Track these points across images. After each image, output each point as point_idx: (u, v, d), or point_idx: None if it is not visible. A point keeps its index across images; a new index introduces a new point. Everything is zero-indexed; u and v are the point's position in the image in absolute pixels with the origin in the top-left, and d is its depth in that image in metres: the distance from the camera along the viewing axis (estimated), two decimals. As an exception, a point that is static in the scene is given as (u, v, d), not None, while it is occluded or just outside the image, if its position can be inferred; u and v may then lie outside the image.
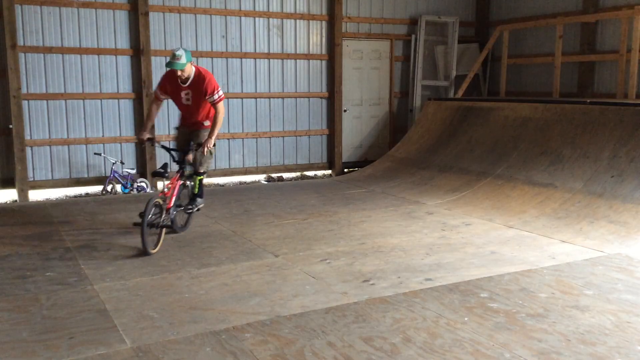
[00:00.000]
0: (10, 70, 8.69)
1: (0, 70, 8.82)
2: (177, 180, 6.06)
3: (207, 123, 6.41)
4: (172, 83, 6.22)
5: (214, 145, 6.21)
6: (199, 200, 6.58)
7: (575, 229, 6.35)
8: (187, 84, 6.17)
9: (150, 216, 5.55)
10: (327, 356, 3.54)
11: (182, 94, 6.26)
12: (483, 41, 12.32)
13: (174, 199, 5.94)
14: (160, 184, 6.67)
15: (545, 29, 11.04)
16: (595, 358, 3.52)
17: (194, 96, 6.22)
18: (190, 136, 6.40)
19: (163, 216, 5.81)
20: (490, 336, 3.81)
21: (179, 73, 6.02)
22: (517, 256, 5.56)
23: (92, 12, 9.28)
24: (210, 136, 6.11)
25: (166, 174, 6.03)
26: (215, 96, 6.17)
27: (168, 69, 6.10)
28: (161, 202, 5.78)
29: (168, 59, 6.11)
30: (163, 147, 6.40)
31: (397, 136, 11.70)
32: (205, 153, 6.16)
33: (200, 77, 6.15)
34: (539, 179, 7.70)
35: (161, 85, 6.34)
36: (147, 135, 6.27)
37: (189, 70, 6.10)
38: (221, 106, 6.21)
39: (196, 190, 6.54)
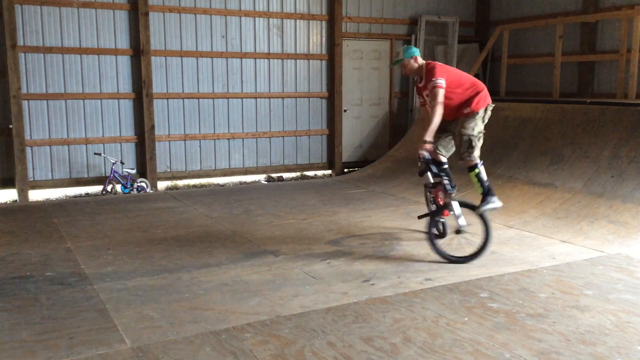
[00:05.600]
0: (10, 70, 8.70)
1: (0, 70, 8.83)
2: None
3: (467, 110, 5.55)
4: (417, 86, 5.82)
5: (472, 134, 5.47)
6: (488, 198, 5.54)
7: (575, 229, 6.35)
8: (422, 83, 5.65)
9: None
10: (327, 356, 3.54)
11: (424, 95, 5.72)
12: (483, 41, 12.32)
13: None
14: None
15: (545, 29, 11.04)
16: (595, 358, 3.52)
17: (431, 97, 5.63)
18: (447, 125, 5.67)
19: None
20: (490, 336, 3.81)
21: (402, 71, 5.73)
22: (517, 256, 5.56)
23: (92, 12, 9.28)
24: (422, 135, 5.36)
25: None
26: (434, 81, 5.40)
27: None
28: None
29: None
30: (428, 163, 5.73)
31: (397, 136, 11.70)
32: (422, 154, 5.45)
33: (425, 70, 5.55)
34: (539, 179, 7.70)
35: (415, 87, 6.02)
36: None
37: (412, 67, 5.61)
38: (437, 95, 5.36)
39: (478, 188, 5.64)
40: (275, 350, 3.61)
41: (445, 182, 5.56)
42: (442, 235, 6.02)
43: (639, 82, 9.09)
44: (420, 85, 5.75)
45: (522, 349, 3.63)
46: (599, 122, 7.70)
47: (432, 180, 5.82)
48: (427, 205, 6.39)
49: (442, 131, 5.67)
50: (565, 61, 10.19)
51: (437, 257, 5.53)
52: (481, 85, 5.67)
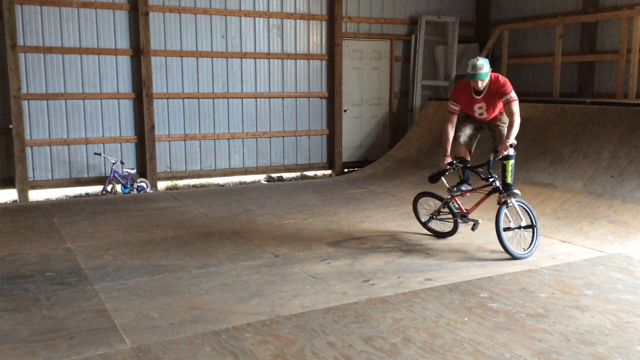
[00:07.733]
0: (10, 70, 8.69)
1: (0, 70, 8.83)
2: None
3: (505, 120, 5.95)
4: (465, 95, 5.89)
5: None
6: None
7: (575, 229, 6.35)
8: (482, 95, 5.79)
9: None
10: (327, 356, 3.54)
11: (475, 107, 5.90)
12: (483, 41, 12.32)
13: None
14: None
15: (545, 29, 11.04)
16: (595, 358, 3.52)
17: (488, 108, 5.84)
18: (481, 125, 6.09)
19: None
20: (490, 336, 3.81)
21: (480, 84, 5.68)
22: (517, 256, 5.56)
23: (92, 12, 9.28)
24: (508, 137, 5.56)
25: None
26: (509, 95, 5.64)
27: (471, 80, 5.66)
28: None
29: (468, 71, 5.66)
30: (466, 168, 5.92)
31: (397, 136, 11.70)
32: (504, 153, 5.57)
33: (496, 84, 5.73)
34: (539, 179, 7.70)
35: (454, 98, 6.00)
36: (449, 160, 5.82)
37: (487, 80, 5.73)
38: (516, 106, 5.63)
39: (508, 177, 5.81)
40: (275, 350, 3.61)
41: (497, 184, 5.68)
42: (451, 232, 6.17)
43: (639, 82, 9.09)
44: (479, 97, 5.83)
45: (522, 349, 3.63)
46: (599, 122, 7.70)
47: (447, 185, 5.95)
48: (416, 215, 6.41)
49: (476, 129, 6.08)
50: (565, 61, 10.19)
51: (436, 257, 5.54)
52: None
